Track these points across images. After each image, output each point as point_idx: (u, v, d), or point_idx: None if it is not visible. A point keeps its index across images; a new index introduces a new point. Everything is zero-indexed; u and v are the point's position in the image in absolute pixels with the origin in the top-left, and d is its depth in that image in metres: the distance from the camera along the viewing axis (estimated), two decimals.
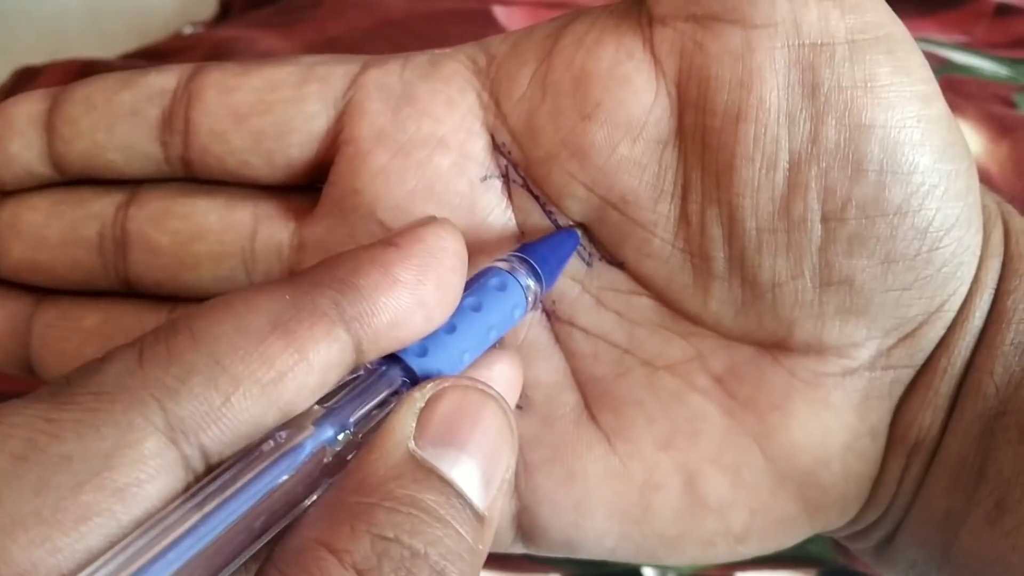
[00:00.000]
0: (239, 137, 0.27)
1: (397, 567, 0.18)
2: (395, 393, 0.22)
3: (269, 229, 0.28)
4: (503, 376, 0.25)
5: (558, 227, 0.27)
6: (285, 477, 0.19)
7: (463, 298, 0.24)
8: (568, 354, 0.29)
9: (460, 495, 0.20)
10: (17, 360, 0.30)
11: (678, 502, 0.27)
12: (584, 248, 0.28)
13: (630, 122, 0.26)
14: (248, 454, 0.19)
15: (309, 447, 0.20)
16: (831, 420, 0.27)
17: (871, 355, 0.27)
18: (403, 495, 0.19)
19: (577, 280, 0.28)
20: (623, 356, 0.28)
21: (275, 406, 0.19)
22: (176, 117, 0.28)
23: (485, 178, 0.27)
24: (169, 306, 0.29)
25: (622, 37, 0.26)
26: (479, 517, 0.20)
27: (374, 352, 0.21)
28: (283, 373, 0.19)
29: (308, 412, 0.20)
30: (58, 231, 0.29)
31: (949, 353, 0.27)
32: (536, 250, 0.27)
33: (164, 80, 0.28)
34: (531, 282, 0.26)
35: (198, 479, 0.19)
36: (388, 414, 0.21)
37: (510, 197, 0.28)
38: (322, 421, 0.20)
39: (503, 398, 0.22)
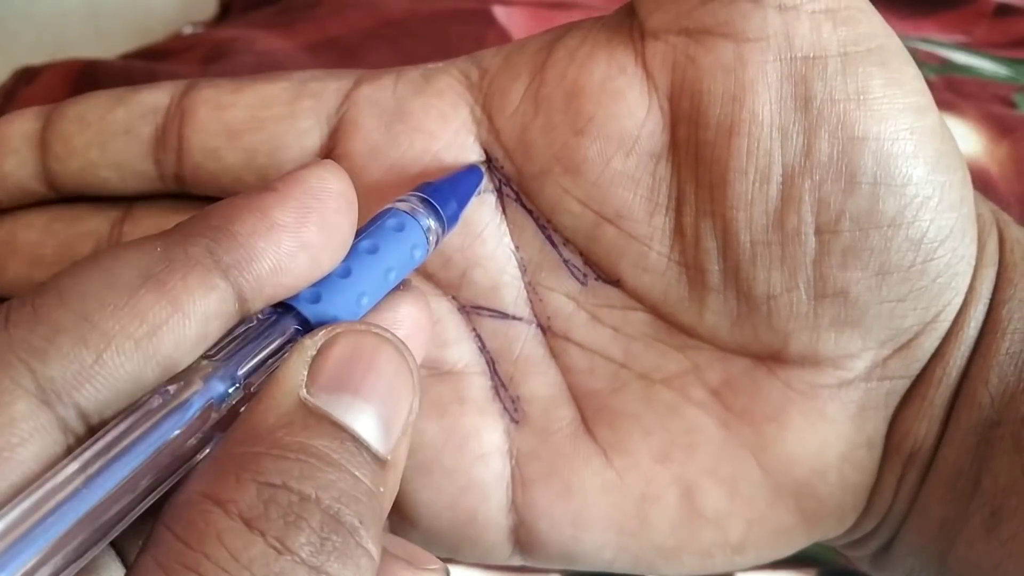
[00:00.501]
0: (232, 154, 0.27)
1: (285, 512, 0.17)
2: (289, 342, 0.21)
3: None
4: (409, 317, 0.24)
5: (549, 239, 0.27)
6: (174, 433, 0.18)
7: (358, 241, 0.23)
8: (564, 369, 0.29)
9: (355, 438, 0.19)
10: None
11: (675, 514, 0.27)
12: (578, 268, 0.28)
13: (623, 136, 0.26)
14: (132, 412, 0.18)
15: (197, 402, 0.19)
16: (827, 431, 0.27)
17: (866, 366, 0.27)
18: (292, 442, 0.18)
19: (572, 298, 0.28)
20: (619, 370, 0.28)
21: (153, 361, 0.19)
22: (169, 135, 0.28)
23: (479, 193, 0.27)
24: None
25: (614, 51, 0.26)
26: (379, 460, 0.19)
27: (259, 301, 0.21)
28: (157, 326, 0.19)
29: (196, 366, 0.19)
30: (53, 249, 0.29)
31: (944, 363, 0.27)
32: (437, 189, 0.26)
33: (157, 97, 0.28)
34: (431, 222, 0.25)
35: (80, 441, 0.18)
36: (278, 365, 0.20)
37: (504, 212, 0.28)
38: (210, 374, 0.19)
39: (401, 341, 0.21)
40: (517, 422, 0.28)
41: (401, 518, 0.28)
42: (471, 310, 0.28)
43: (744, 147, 0.25)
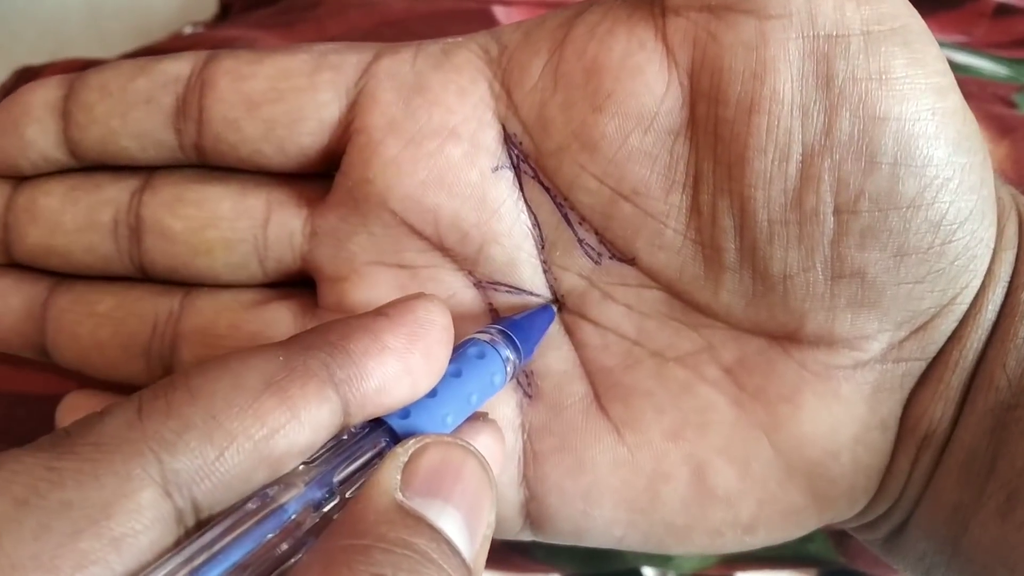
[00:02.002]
0: (251, 125, 0.27)
1: None
2: (379, 454, 0.22)
3: (281, 217, 0.28)
4: (486, 448, 0.25)
5: (565, 216, 0.27)
6: (270, 536, 0.19)
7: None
8: (577, 345, 0.29)
9: (449, 542, 0.20)
10: (33, 344, 0.30)
11: (686, 492, 0.27)
12: (592, 247, 0.28)
13: (641, 113, 0.26)
14: (236, 511, 0.19)
15: (294, 506, 0.20)
16: (841, 412, 0.27)
17: (882, 347, 0.27)
18: (396, 537, 0.19)
19: (585, 276, 0.28)
20: (632, 348, 0.28)
21: (265, 463, 0.20)
22: (190, 105, 0.28)
23: (496, 168, 0.27)
24: (183, 291, 0.29)
25: (634, 27, 0.26)
26: (467, 567, 0.20)
27: (360, 416, 0.22)
28: (275, 430, 0.20)
29: (295, 471, 0.21)
30: (73, 217, 0.29)
31: (961, 346, 0.27)
32: (515, 323, 0.27)
33: (178, 67, 0.28)
34: (509, 353, 0.26)
35: (188, 533, 0.19)
36: (372, 471, 0.21)
37: (521, 188, 0.28)
38: (308, 480, 0.21)
39: (483, 456, 0.22)
40: (530, 396, 0.28)
41: None
42: (487, 285, 0.28)
43: (764, 125, 0.25)
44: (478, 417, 0.26)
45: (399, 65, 0.28)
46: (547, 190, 0.27)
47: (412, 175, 0.27)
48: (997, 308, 0.26)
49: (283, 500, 0.20)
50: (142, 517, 0.18)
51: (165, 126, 0.28)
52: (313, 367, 0.21)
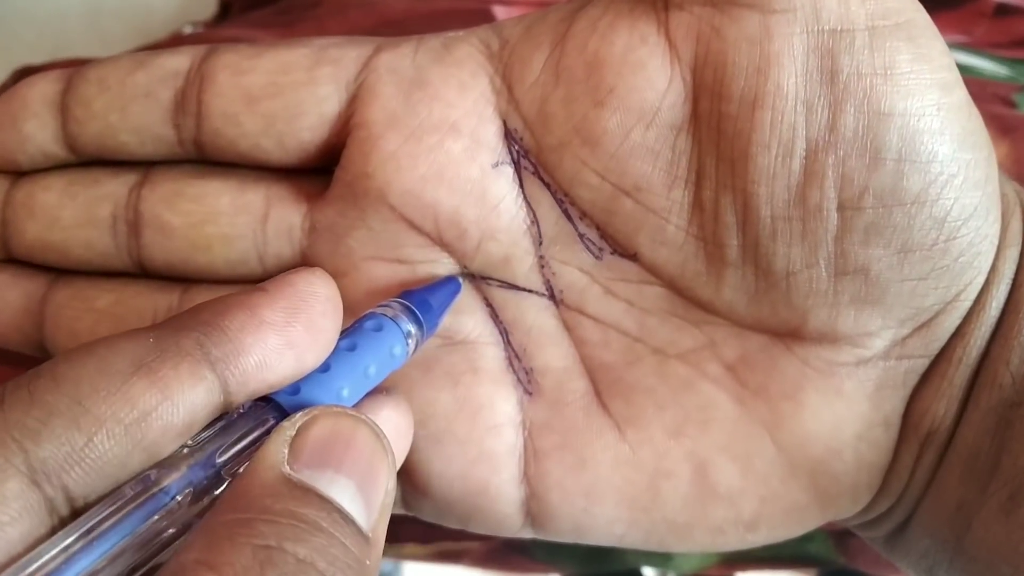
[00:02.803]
0: (251, 120, 0.27)
1: (282, 573, 0.18)
2: (267, 432, 0.22)
3: (281, 212, 0.28)
4: (388, 421, 0.25)
5: (565, 212, 0.27)
6: (153, 519, 0.19)
7: (339, 341, 0.24)
8: (577, 341, 0.28)
9: (341, 511, 0.20)
10: (31, 340, 0.30)
11: (688, 490, 0.27)
12: (593, 242, 0.28)
13: (643, 108, 0.25)
14: (115, 496, 0.19)
15: (176, 488, 0.20)
16: (844, 409, 0.27)
17: (885, 345, 0.27)
18: (282, 508, 0.19)
19: (586, 272, 0.28)
20: (633, 344, 0.28)
21: (140, 447, 0.19)
22: (189, 99, 0.28)
23: (497, 164, 0.27)
24: (182, 287, 0.29)
25: (636, 22, 0.26)
26: (363, 535, 0.20)
27: (243, 394, 0.22)
28: (147, 413, 0.19)
29: (177, 453, 0.20)
30: (72, 212, 0.29)
31: (965, 343, 0.26)
32: (417, 296, 0.27)
33: (177, 62, 0.28)
34: (411, 326, 0.26)
35: (63, 523, 0.19)
36: (259, 446, 0.21)
37: (522, 184, 0.27)
38: (192, 462, 0.20)
39: (376, 424, 0.22)
40: (531, 393, 0.28)
41: (413, 488, 0.28)
42: (483, 281, 0.28)
43: (768, 120, 0.24)
44: (380, 391, 0.25)
45: (399, 59, 0.27)
46: (547, 186, 0.27)
47: (412, 170, 0.27)
48: (1001, 305, 0.26)
49: (164, 483, 0.20)
50: (8, 508, 0.18)
51: (164, 121, 0.28)
52: (186, 346, 0.21)
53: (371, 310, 0.26)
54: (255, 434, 0.22)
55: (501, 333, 0.28)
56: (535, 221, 0.28)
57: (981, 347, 0.26)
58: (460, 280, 0.28)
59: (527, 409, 0.28)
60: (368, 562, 0.20)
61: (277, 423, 0.21)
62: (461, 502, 0.28)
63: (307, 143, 0.28)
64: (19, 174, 0.30)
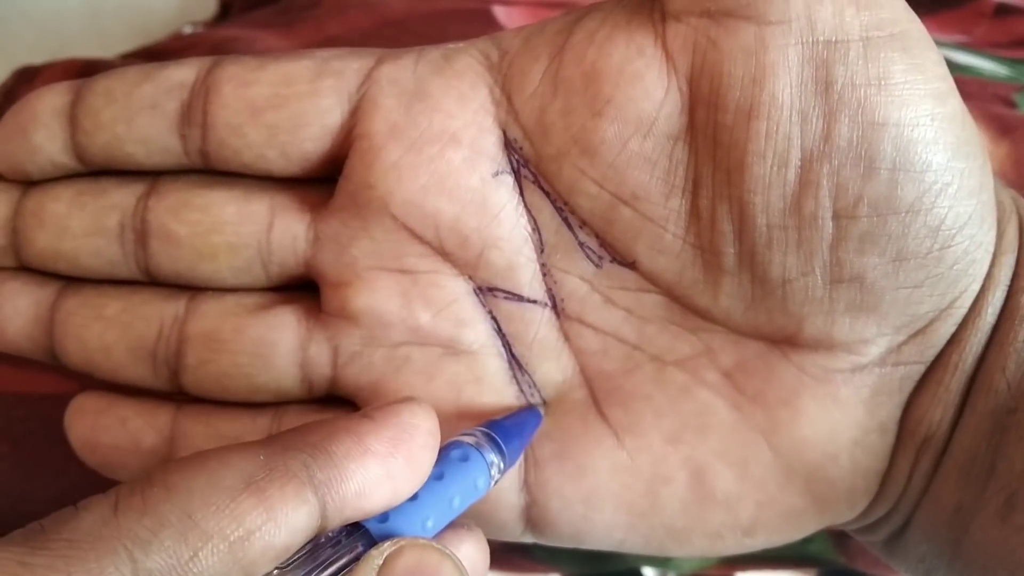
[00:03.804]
0: (255, 131, 0.28)
1: None
2: (355, 559, 0.22)
3: (285, 221, 0.28)
4: (468, 557, 0.25)
5: (565, 221, 0.28)
6: None
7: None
8: (576, 350, 0.29)
9: None
10: (41, 347, 0.30)
11: (686, 495, 0.28)
12: (593, 250, 0.28)
13: (640, 118, 0.26)
14: None
15: None
16: (840, 416, 0.27)
17: (881, 351, 0.27)
18: None
19: (586, 280, 0.28)
20: (632, 352, 0.28)
21: (239, 565, 0.20)
22: (194, 110, 0.28)
23: (497, 174, 0.27)
24: (188, 295, 0.29)
25: (633, 33, 0.26)
26: None
27: (338, 519, 0.22)
28: (251, 531, 0.20)
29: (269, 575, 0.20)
30: (80, 221, 0.29)
31: (960, 349, 0.27)
32: (500, 426, 0.27)
33: (183, 73, 0.28)
34: (494, 456, 0.26)
35: None
36: (347, 573, 0.21)
37: (522, 193, 0.28)
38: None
39: (461, 561, 0.22)
40: (531, 403, 0.28)
41: None
42: (487, 291, 0.28)
43: (763, 130, 0.25)
44: (462, 525, 0.26)
45: (400, 71, 0.28)
46: (547, 195, 0.27)
47: (413, 180, 0.27)
48: (997, 312, 0.27)
49: None
50: None
51: (170, 132, 0.28)
52: (293, 468, 0.21)
53: (456, 438, 0.26)
54: (344, 560, 0.22)
55: (504, 343, 0.29)
56: (536, 229, 0.28)
57: (977, 353, 0.27)
58: (541, 412, 0.28)
59: None
60: None
61: (366, 551, 0.22)
62: None
63: (310, 154, 0.28)
64: (29, 184, 0.30)
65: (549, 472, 0.28)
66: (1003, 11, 0.54)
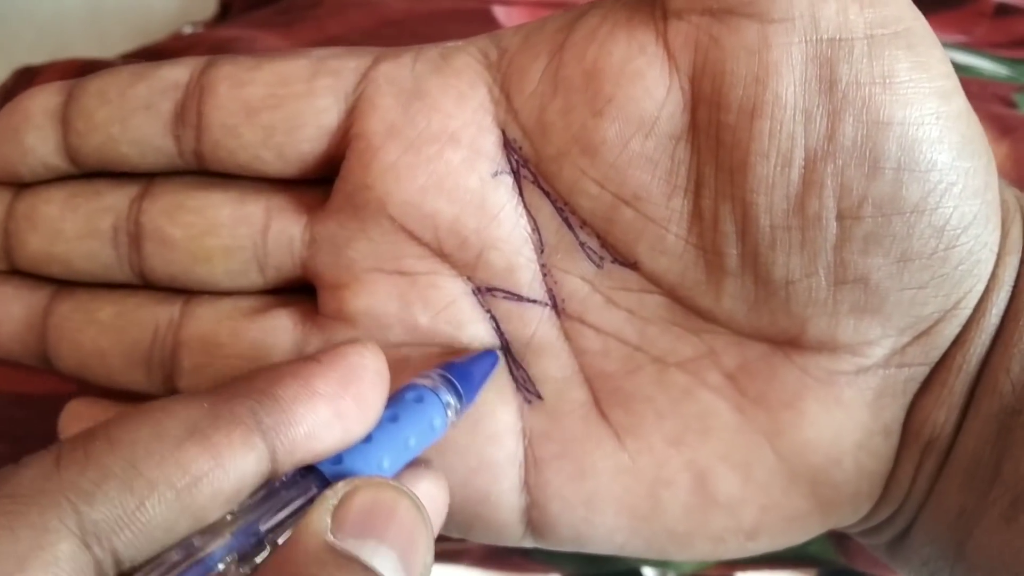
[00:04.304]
0: (250, 131, 0.27)
1: None
2: (310, 501, 0.22)
3: (281, 223, 0.28)
4: (426, 494, 0.25)
5: (566, 221, 0.27)
6: None
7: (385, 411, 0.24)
8: (577, 351, 0.28)
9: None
10: (34, 352, 0.30)
11: (688, 499, 0.27)
12: (594, 250, 0.28)
13: (642, 118, 0.26)
14: (160, 561, 0.19)
15: (219, 555, 0.20)
16: (843, 418, 0.27)
17: (885, 353, 0.27)
18: None
19: (587, 280, 0.28)
20: (634, 353, 0.28)
21: (188, 512, 0.20)
22: (188, 111, 0.28)
23: (496, 174, 0.27)
24: (183, 298, 0.29)
25: (634, 31, 0.26)
26: None
27: (289, 463, 0.22)
28: (198, 478, 0.20)
29: (222, 521, 0.20)
30: (73, 224, 0.29)
31: (964, 351, 0.26)
32: (456, 367, 0.27)
33: (177, 74, 0.28)
34: (450, 398, 0.26)
35: None
36: (303, 514, 0.21)
37: (521, 194, 0.27)
38: (235, 529, 0.20)
39: (417, 497, 0.22)
40: (530, 403, 0.28)
41: None
42: (486, 291, 0.28)
43: (766, 130, 0.24)
44: (420, 463, 0.26)
45: (398, 70, 0.27)
46: (547, 195, 0.27)
47: (411, 181, 0.27)
48: (1001, 312, 0.26)
49: (209, 550, 0.20)
50: (59, 570, 0.18)
51: (164, 132, 0.28)
52: (239, 414, 0.21)
53: (412, 380, 0.26)
54: (299, 502, 0.22)
55: (502, 343, 0.28)
56: (536, 229, 0.28)
57: (981, 355, 0.26)
58: (498, 353, 0.28)
59: (527, 418, 0.28)
60: None
61: (320, 492, 0.22)
62: (462, 511, 0.28)
63: (307, 154, 0.28)
64: (21, 186, 0.30)
65: (550, 473, 0.28)
66: (1003, 11, 0.54)
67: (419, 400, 0.25)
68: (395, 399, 0.25)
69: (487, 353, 0.28)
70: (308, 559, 0.20)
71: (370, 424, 0.23)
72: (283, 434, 0.21)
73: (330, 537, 0.20)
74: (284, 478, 0.22)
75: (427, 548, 0.22)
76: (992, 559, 0.26)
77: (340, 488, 0.21)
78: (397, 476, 0.24)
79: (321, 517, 0.20)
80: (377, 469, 0.23)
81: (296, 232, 0.28)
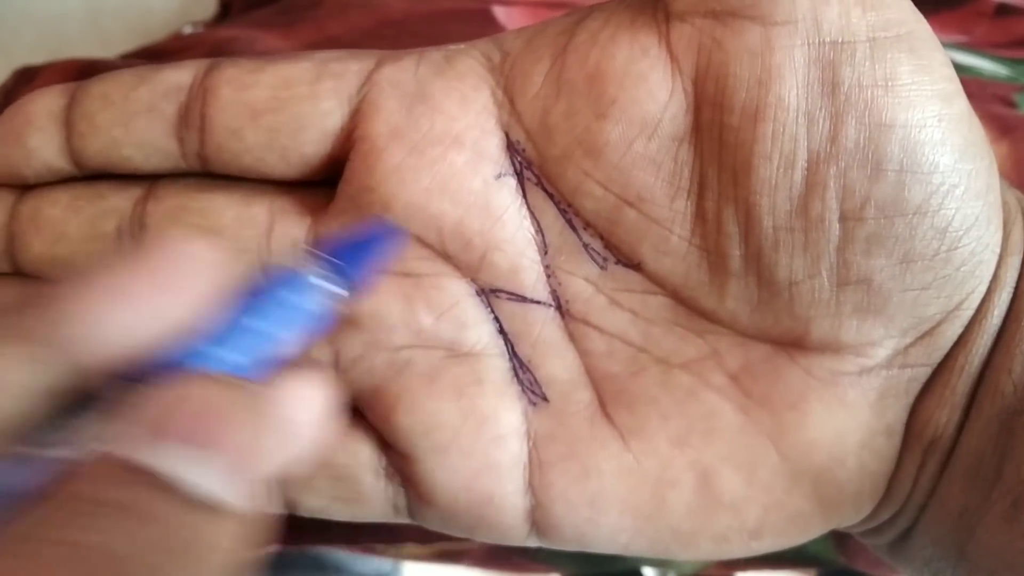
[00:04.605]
0: (254, 134, 0.27)
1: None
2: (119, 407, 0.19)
3: (285, 225, 0.28)
4: (301, 396, 0.22)
5: (569, 222, 0.27)
6: None
7: (233, 302, 0.21)
8: (582, 352, 0.29)
9: (175, 487, 0.17)
10: None
11: (692, 499, 0.27)
12: (598, 252, 0.28)
13: (645, 120, 0.26)
14: None
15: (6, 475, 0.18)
16: (847, 418, 0.27)
17: (888, 354, 0.27)
18: (119, 496, 0.17)
19: (591, 282, 0.28)
20: (638, 354, 0.28)
21: None
22: (192, 113, 0.28)
23: (499, 176, 0.27)
24: None
25: (637, 33, 0.26)
26: (212, 509, 0.18)
27: (99, 369, 0.19)
28: None
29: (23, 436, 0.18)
30: (77, 226, 0.29)
31: (967, 352, 0.27)
32: (335, 243, 0.24)
33: (180, 76, 0.28)
34: (326, 276, 0.23)
35: None
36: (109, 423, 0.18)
37: (525, 196, 0.28)
38: (20, 447, 0.18)
39: (258, 389, 0.20)
40: (535, 404, 0.28)
41: (418, 498, 0.28)
42: (490, 293, 0.28)
43: (769, 132, 0.24)
44: (309, 364, 0.23)
45: (401, 73, 0.27)
46: (551, 196, 0.27)
47: (415, 183, 0.27)
48: (1003, 313, 0.26)
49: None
50: None
51: (168, 135, 0.28)
52: (21, 327, 0.19)
53: (276, 263, 0.23)
54: (111, 410, 0.19)
55: (507, 344, 0.28)
56: (539, 231, 0.28)
57: (983, 355, 0.27)
58: (395, 226, 0.26)
59: (532, 420, 0.28)
60: (227, 543, 0.18)
61: (141, 395, 0.19)
62: (466, 512, 0.28)
63: (310, 157, 0.28)
64: (25, 188, 0.30)
65: (554, 474, 0.28)
66: (1003, 11, 0.54)
67: (283, 284, 0.22)
68: (253, 288, 0.22)
69: (381, 224, 0.26)
70: (98, 477, 0.17)
71: (191, 316, 0.20)
72: (79, 338, 0.19)
73: (133, 448, 0.18)
74: (100, 385, 0.19)
75: (274, 453, 0.19)
76: (994, 559, 0.26)
77: (157, 389, 0.18)
78: (270, 375, 0.21)
79: (128, 427, 0.18)
80: (232, 368, 0.20)
81: (300, 234, 0.28)
